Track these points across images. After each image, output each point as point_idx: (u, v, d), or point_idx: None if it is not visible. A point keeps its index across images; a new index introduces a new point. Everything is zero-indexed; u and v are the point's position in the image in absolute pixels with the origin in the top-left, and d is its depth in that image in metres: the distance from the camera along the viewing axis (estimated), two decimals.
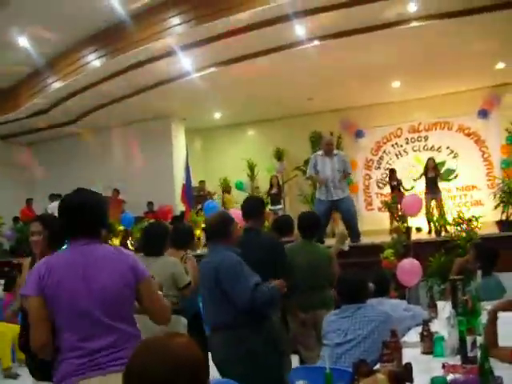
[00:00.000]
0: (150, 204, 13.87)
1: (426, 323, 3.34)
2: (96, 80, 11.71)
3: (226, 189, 15.19)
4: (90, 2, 9.11)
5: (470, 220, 8.54)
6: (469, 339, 3.03)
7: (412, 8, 9.11)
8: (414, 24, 9.59)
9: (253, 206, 4.68)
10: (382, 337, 3.25)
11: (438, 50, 10.86)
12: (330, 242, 10.05)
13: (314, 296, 4.99)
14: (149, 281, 2.75)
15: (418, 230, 12.65)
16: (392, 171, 13.90)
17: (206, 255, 4.09)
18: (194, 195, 13.59)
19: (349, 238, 6.17)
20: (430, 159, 12.65)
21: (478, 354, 2.77)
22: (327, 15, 9.05)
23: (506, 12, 9.11)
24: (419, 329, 3.59)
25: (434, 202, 12.11)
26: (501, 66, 12.51)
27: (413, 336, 3.75)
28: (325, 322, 3.88)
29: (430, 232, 10.92)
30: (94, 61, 11.02)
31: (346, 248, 6.21)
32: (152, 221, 8.19)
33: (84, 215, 2.70)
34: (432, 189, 12.25)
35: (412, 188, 13.38)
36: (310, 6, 8.85)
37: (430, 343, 3.26)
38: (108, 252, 2.73)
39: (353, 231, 9.67)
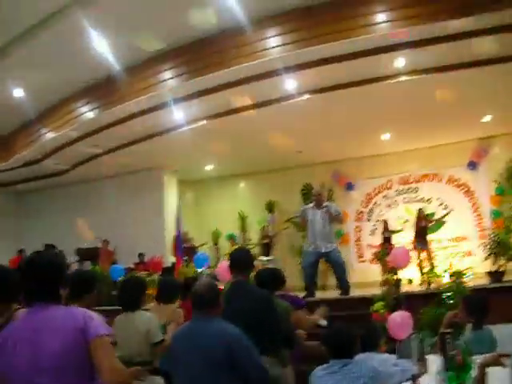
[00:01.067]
0: (141, 255, 13.78)
1: (415, 378, 3.30)
2: (89, 131, 11.81)
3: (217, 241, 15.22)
4: (84, 55, 9.24)
5: (460, 272, 8.54)
6: None
7: (401, 63, 9.29)
8: (403, 78, 9.76)
9: (242, 258, 4.61)
10: None
11: (427, 103, 11.04)
12: (320, 294, 10.06)
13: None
14: (100, 340, 2.64)
15: (410, 281, 12.62)
16: (385, 222, 13.93)
17: (189, 326, 3.78)
18: (186, 247, 13.52)
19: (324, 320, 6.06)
20: (421, 210, 12.76)
21: None
22: (317, 70, 9.20)
23: (492, 67, 9.33)
24: None
25: (424, 254, 12.16)
26: (487, 118, 12.73)
27: None
28: (312, 377, 3.83)
29: (421, 284, 10.88)
30: (87, 112, 11.13)
31: (323, 324, 6.13)
32: (132, 275, 8.10)
33: (34, 279, 2.68)
34: (421, 240, 12.33)
35: (399, 231, 13.44)
36: (301, 60, 9.00)
37: None
38: (58, 315, 2.66)
39: (341, 283, 9.66)
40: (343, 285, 9.67)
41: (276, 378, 4.18)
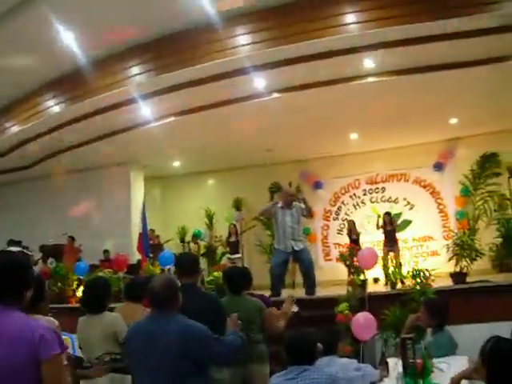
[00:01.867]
0: (106, 252, 13.63)
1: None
2: (54, 126, 11.60)
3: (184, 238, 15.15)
4: (50, 47, 9.05)
5: (424, 273, 8.62)
6: None
7: (369, 64, 9.33)
8: (371, 79, 9.81)
9: (189, 263, 4.69)
10: None
11: (395, 104, 11.14)
12: (289, 292, 10.05)
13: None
14: (54, 360, 2.52)
15: (376, 280, 12.74)
16: (352, 223, 13.99)
17: (146, 324, 3.68)
18: (152, 244, 13.44)
19: (295, 305, 6.07)
20: (386, 214, 12.88)
21: None
22: (287, 69, 9.18)
23: (459, 70, 9.44)
24: None
25: (391, 254, 12.27)
26: (454, 121, 12.89)
27: None
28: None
29: (386, 284, 10.95)
30: (53, 107, 10.92)
31: (295, 309, 6.13)
32: (96, 276, 7.97)
33: None
34: (390, 241, 12.46)
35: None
36: (270, 59, 8.96)
37: None
38: (15, 324, 2.53)
39: (309, 283, 9.68)
40: (310, 285, 9.70)
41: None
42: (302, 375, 3.58)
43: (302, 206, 9.98)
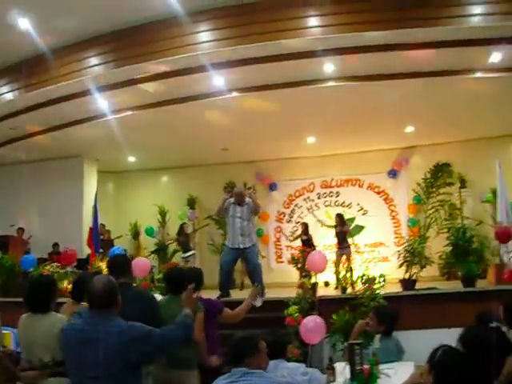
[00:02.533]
0: (56, 245, 13.35)
1: None
2: (7, 113, 11.28)
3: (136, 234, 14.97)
4: (6, 33, 8.81)
5: (374, 278, 8.70)
6: None
7: (329, 68, 9.36)
8: (331, 84, 9.85)
9: (121, 264, 4.80)
10: None
11: (353, 109, 11.24)
12: (236, 295, 10.01)
13: (175, 355, 4.67)
14: None
15: (326, 284, 12.79)
16: (305, 225, 14.01)
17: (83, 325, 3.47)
18: (102, 239, 13.19)
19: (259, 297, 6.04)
20: (338, 215, 12.95)
21: None
22: (246, 68, 9.15)
23: (416, 80, 9.58)
24: None
25: (344, 257, 12.35)
26: (410, 129, 13.08)
27: None
28: None
29: (337, 288, 11.01)
30: (6, 94, 10.63)
31: (259, 304, 6.10)
32: (41, 275, 7.74)
33: None
34: (342, 244, 12.52)
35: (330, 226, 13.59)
36: (231, 58, 8.92)
37: None
38: None
39: (255, 284, 9.66)
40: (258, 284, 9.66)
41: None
42: (243, 379, 3.48)
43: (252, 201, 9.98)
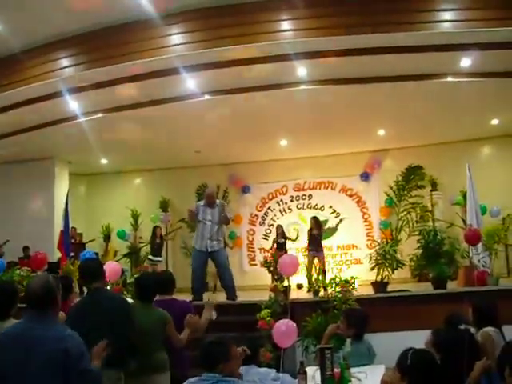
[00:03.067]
0: (26, 249, 13.15)
1: None
2: None
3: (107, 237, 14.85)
4: None
5: (346, 281, 8.73)
6: None
7: (302, 72, 9.38)
8: (303, 87, 9.88)
9: (94, 268, 4.71)
10: None
11: (325, 113, 11.32)
12: (211, 296, 9.95)
13: (146, 360, 4.65)
14: None
15: (299, 286, 12.83)
16: (280, 228, 14.00)
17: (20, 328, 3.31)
18: (73, 243, 13.05)
19: (214, 312, 5.98)
20: (314, 218, 12.97)
21: None
22: (219, 71, 9.13)
23: (389, 84, 9.66)
24: None
25: (316, 260, 12.37)
26: (382, 132, 13.19)
27: None
28: None
29: (309, 290, 11.02)
30: None
31: (214, 317, 6.05)
32: (4, 280, 7.62)
33: None
34: (315, 246, 12.52)
35: (294, 240, 13.64)
36: (203, 60, 8.88)
37: None
38: None
39: (227, 286, 9.64)
40: (229, 290, 9.64)
41: None
42: None
43: (224, 207, 9.96)
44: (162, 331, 4.81)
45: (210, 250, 9.62)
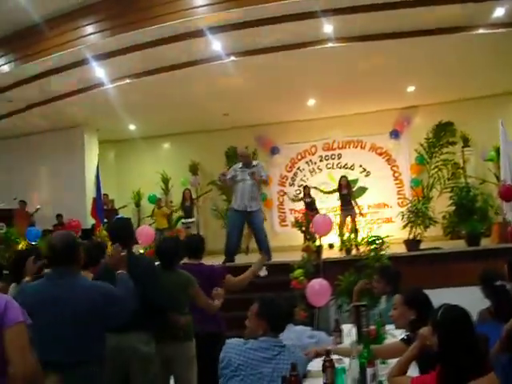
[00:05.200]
0: (59, 216, 13.35)
1: (327, 353, 3.27)
2: (5, 86, 11.20)
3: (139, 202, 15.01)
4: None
5: (378, 239, 8.71)
6: (369, 371, 3.00)
7: (328, 29, 9.22)
8: (330, 45, 9.72)
9: (123, 228, 4.51)
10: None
11: (353, 71, 11.13)
12: (241, 259, 10.05)
13: (173, 328, 4.59)
14: (15, 329, 2.49)
15: (331, 246, 12.85)
16: (306, 188, 13.98)
17: (45, 284, 3.37)
18: (106, 209, 13.22)
19: (265, 269, 6.02)
20: (343, 177, 12.93)
21: None
22: (244, 31, 9.03)
23: (415, 39, 9.44)
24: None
25: (349, 219, 12.37)
26: (411, 89, 12.96)
27: (317, 365, 3.64)
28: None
29: (341, 250, 11.02)
30: (2, 66, 10.52)
31: (263, 274, 6.09)
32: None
33: None
34: (346, 205, 12.53)
35: (331, 191, 13.54)
36: (226, 21, 8.79)
37: (331, 374, 3.18)
38: None
39: (262, 247, 9.69)
40: (263, 249, 9.70)
41: (148, 355, 4.10)
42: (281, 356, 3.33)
43: (261, 169, 9.91)
44: (186, 295, 4.76)
45: (248, 209, 9.64)
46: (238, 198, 9.77)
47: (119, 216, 11.31)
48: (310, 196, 13.63)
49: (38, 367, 2.57)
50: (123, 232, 4.44)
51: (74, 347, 3.18)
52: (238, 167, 9.85)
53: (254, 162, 10.01)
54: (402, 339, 3.51)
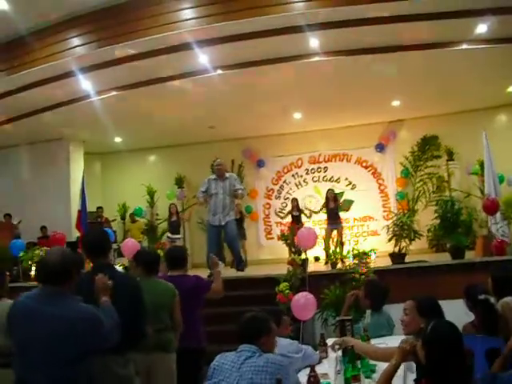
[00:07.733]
0: (44, 228, 13.30)
1: (312, 368, 3.27)
2: None
3: (124, 215, 14.96)
4: None
5: (364, 253, 8.74)
6: None
7: (314, 43, 9.28)
8: (316, 59, 9.77)
9: (101, 242, 4.13)
10: None
11: (339, 84, 11.23)
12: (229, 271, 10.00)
13: (156, 339, 4.53)
14: None
15: (316, 259, 12.86)
16: (294, 201, 13.98)
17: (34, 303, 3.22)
18: (90, 222, 13.13)
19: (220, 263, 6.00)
20: (330, 190, 12.96)
21: None
22: (231, 45, 9.05)
23: (403, 53, 9.53)
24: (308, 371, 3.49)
25: (335, 232, 12.38)
26: (396, 103, 13.07)
27: (302, 379, 3.61)
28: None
29: (327, 263, 11.03)
30: None
31: (221, 267, 6.05)
32: None
33: None
34: (333, 219, 12.54)
35: (315, 213, 13.56)
36: (215, 35, 8.81)
37: None
38: None
39: (236, 256, 9.70)
40: (236, 259, 9.72)
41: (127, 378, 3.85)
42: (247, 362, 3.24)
43: (235, 181, 9.93)
44: (169, 305, 4.74)
45: (222, 223, 9.66)
46: (211, 212, 9.85)
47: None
48: (298, 209, 13.62)
49: None
50: (99, 245, 4.12)
51: (47, 369, 3.08)
52: (212, 178, 9.91)
53: (227, 174, 10.05)
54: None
